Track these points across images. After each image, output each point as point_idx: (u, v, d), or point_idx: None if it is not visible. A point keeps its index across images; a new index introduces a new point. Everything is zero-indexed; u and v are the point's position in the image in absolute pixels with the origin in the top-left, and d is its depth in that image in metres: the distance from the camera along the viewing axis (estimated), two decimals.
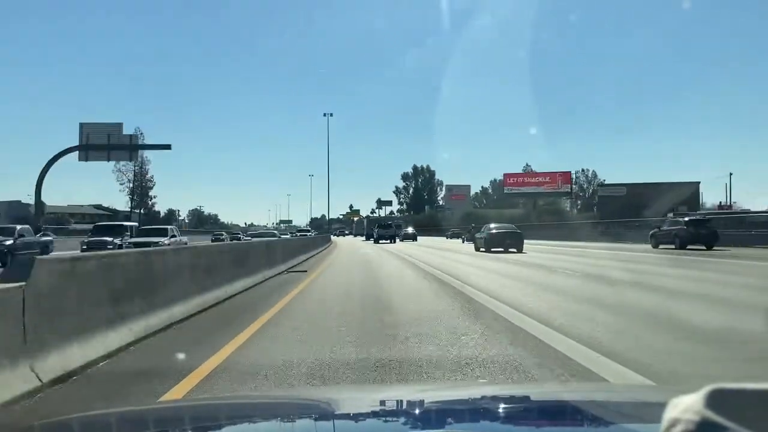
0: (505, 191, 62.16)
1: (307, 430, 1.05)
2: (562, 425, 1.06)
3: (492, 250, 18.47)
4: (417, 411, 1.16)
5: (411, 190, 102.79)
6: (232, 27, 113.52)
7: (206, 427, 1.11)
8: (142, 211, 67.47)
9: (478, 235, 20.81)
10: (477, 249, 19.96)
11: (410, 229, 43.38)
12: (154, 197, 70.69)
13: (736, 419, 0.43)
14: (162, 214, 78.58)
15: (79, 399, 2.70)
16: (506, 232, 19.08)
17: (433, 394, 1.45)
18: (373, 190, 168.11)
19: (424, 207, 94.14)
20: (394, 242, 35.79)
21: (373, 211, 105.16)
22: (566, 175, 59.57)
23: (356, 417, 1.13)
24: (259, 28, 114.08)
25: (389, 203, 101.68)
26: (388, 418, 1.16)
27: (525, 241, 18.46)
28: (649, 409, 1.02)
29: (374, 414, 1.17)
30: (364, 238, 47.32)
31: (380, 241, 36.28)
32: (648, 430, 0.87)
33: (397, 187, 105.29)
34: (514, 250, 18.12)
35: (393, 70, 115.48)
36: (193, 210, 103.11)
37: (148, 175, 68.68)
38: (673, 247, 18.59)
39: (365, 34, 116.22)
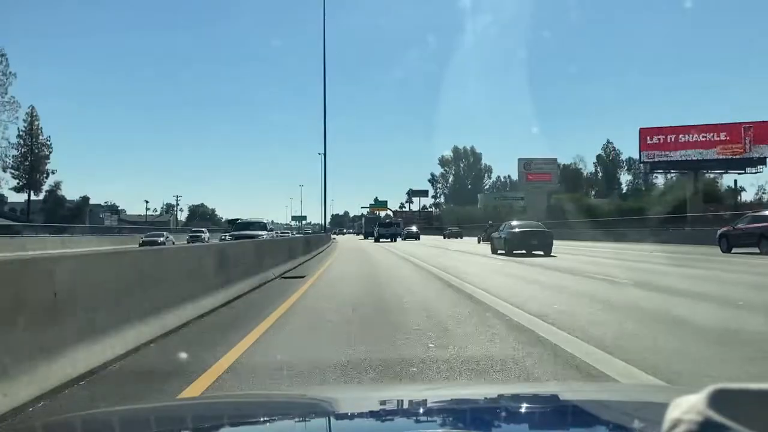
0: (642, 158, 39.98)
1: (309, 430, 1.15)
2: (565, 425, 1.17)
3: (514, 252, 17.21)
4: (419, 411, 1.29)
5: (450, 178, 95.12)
6: (236, 27, 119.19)
7: (208, 426, 1.21)
8: (32, 194, 46.00)
9: (495, 235, 19.53)
10: (494, 251, 18.90)
11: (414, 228, 47.96)
12: (53, 173, 47.57)
13: (738, 419, 0.46)
14: (75, 200, 56.10)
15: None
16: (532, 231, 17.85)
17: (434, 393, 1.59)
18: (404, 181, 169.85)
19: (467, 197, 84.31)
20: (395, 241, 39.79)
21: (401, 206, 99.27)
22: (763, 129, 35.19)
23: (358, 417, 1.27)
24: (266, 27, 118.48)
25: (424, 193, 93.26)
26: (389, 418, 1.30)
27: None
28: (653, 409, 1.09)
29: (376, 414, 1.28)
30: (362, 236, 53.19)
31: (381, 240, 40.16)
32: (651, 430, 0.94)
33: (432, 175, 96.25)
34: (541, 252, 16.88)
35: (412, 58, 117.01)
36: (193, 206, 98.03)
37: (42, 137, 44.78)
38: (758, 251, 16.15)
39: (376, 26, 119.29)
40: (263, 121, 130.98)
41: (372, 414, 1.27)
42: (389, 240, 40.12)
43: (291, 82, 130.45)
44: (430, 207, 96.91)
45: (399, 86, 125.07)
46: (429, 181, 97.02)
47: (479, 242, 30.12)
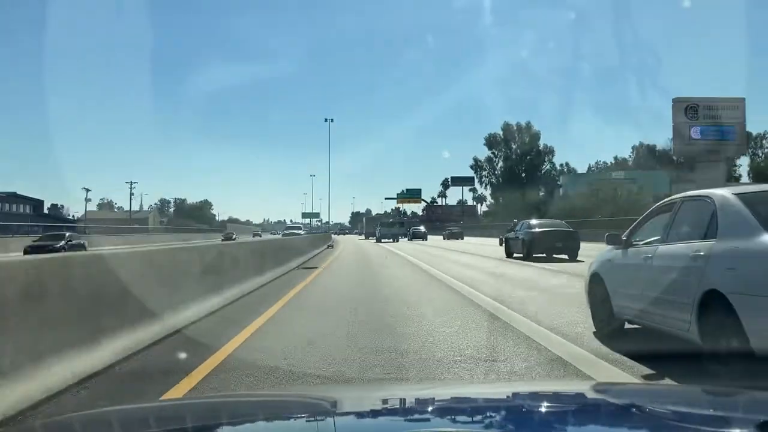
0: None
1: (310, 429, 1.27)
2: (565, 423, 1.28)
3: (534, 256, 16.79)
4: (420, 410, 1.42)
5: (499, 163, 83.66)
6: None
7: (208, 426, 1.32)
8: None
9: (511, 236, 19.03)
10: (509, 254, 18.52)
11: (421, 228, 50.81)
12: None
13: None
14: None
15: None
16: (556, 232, 17.41)
17: (435, 392, 1.78)
18: (436, 175, 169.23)
19: (522, 186, 70.58)
20: (397, 241, 42.96)
21: (433, 200, 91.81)
22: None
23: (359, 416, 1.39)
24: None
25: (468, 181, 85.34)
26: (390, 417, 1.42)
27: None
28: (648, 409, 1.33)
29: (377, 413, 1.41)
30: (363, 237, 57.83)
31: (383, 240, 43.22)
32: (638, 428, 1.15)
33: (476, 161, 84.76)
34: (565, 256, 16.48)
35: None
36: (179, 200, 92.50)
37: None
38: None
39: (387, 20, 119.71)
40: (268, 119, 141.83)
41: (373, 413, 1.40)
42: (391, 240, 43.53)
43: (295, 76, 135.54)
44: (472, 202, 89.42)
45: (425, 72, 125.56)
46: (472, 167, 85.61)
47: (501, 244, 27.74)
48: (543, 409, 1.41)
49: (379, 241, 43.81)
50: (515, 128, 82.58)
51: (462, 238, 46.33)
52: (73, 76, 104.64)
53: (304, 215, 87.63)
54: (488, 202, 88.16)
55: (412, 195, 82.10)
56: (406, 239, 46.44)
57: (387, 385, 3.08)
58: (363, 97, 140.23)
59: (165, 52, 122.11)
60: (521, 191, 68.03)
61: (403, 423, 1.35)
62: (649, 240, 4.75)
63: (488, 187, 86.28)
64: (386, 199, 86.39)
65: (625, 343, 4.79)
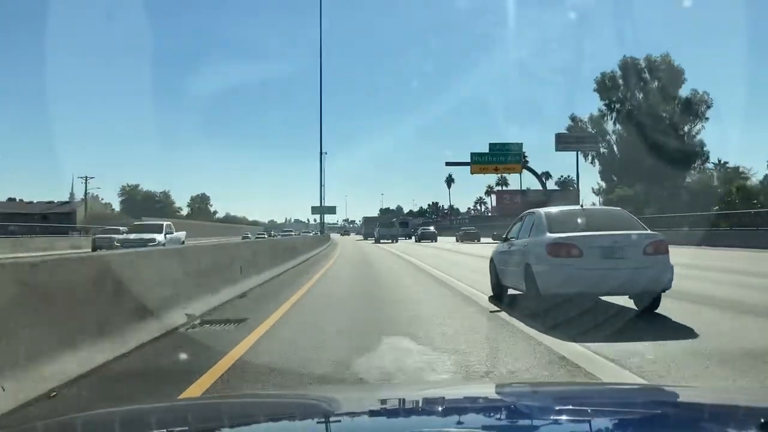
0: None
1: (309, 430, 1.58)
2: (563, 425, 1.61)
3: None
4: (418, 410, 1.77)
5: (615, 123, 59.96)
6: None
7: (208, 426, 1.64)
8: None
9: None
10: None
11: (431, 228, 57.67)
12: None
13: None
14: None
15: None
16: None
17: (434, 392, 2.21)
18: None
19: (660, 153, 50.89)
20: (396, 241, 50.38)
21: (488, 190, 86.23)
22: None
23: (358, 417, 1.73)
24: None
25: (589, 142, 58.69)
26: (389, 418, 1.76)
27: None
28: (649, 409, 1.70)
29: (376, 413, 1.76)
30: (362, 237, 67.96)
31: (381, 241, 50.91)
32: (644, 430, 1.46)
33: (575, 120, 61.35)
34: None
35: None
36: (128, 186, 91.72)
37: None
38: None
39: None
40: (282, 118, 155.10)
41: (372, 414, 1.73)
42: (390, 241, 51.59)
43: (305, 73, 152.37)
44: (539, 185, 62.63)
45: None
46: (568, 129, 61.61)
47: None
48: (544, 410, 1.71)
49: (377, 241, 51.77)
50: (642, 64, 58.22)
51: (479, 240, 45.69)
52: (72, 74, 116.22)
53: (314, 210, 74.38)
54: (597, 187, 64.47)
55: (502, 156, 52.98)
56: (413, 240, 53.66)
57: (387, 386, 3.57)
58: (380, 90, 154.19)
59: (167, 51, 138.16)
60: (660, 167, 49.69)
61: (403, 424, 1.63)
62: (513, 236, 9.28)
63: (595, 161, 61.95)
64: (447, 164, 61.78)
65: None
